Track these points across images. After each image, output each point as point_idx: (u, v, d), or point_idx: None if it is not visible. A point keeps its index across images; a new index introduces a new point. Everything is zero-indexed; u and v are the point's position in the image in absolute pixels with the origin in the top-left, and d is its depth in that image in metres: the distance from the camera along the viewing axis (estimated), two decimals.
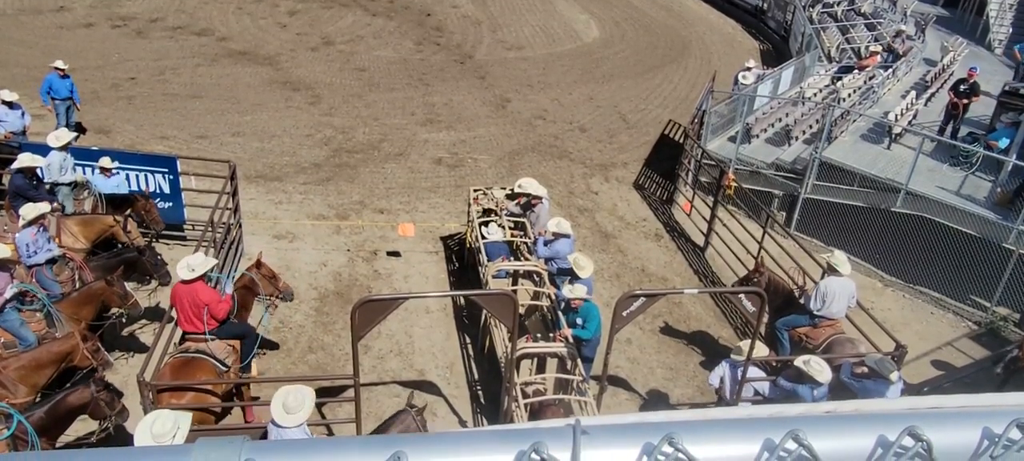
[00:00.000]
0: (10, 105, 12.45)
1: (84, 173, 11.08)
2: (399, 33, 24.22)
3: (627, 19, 28.68)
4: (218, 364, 8.11)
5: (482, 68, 21.80)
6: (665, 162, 16.48)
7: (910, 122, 16.09)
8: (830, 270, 9.41)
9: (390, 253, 12.57)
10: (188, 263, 8.15)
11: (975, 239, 12.37)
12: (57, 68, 13.96)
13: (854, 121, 15.92)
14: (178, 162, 11.71)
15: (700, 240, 13.83)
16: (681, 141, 16.66)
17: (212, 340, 8.21)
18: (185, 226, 12.15)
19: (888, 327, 9.40)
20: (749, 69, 17.89)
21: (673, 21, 29.23)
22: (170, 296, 8.39)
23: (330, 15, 25.34)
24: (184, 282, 8.09)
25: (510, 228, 11.20)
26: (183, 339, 8.30)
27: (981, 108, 16.06)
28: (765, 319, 9.00)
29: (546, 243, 10.03)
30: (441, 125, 17.56)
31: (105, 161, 11.06)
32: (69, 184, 10.72)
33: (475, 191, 11.98)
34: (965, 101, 15.43)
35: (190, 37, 22.06)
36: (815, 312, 9.36)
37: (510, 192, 11.70)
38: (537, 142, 17.23)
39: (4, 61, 18.73)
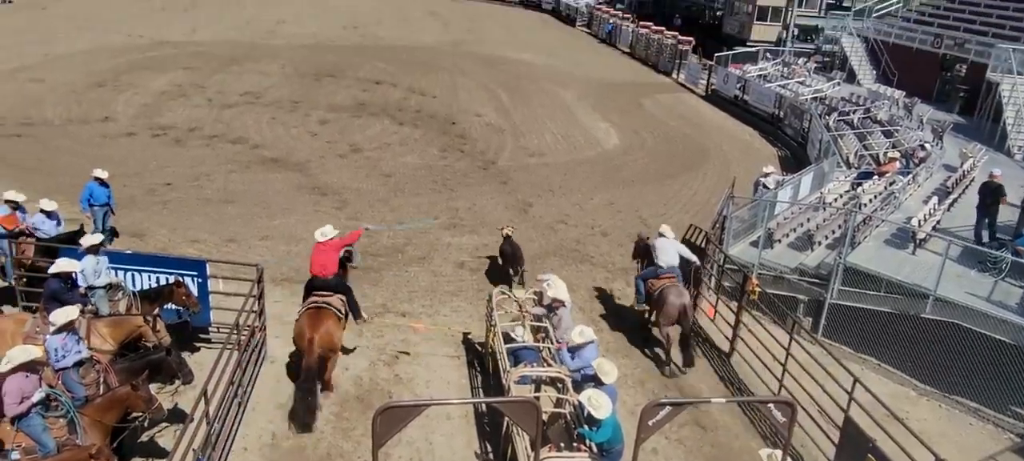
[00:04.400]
0: (48, 214, 12.74)
1: (117, 274, 11.24)
2: (425, 141, 24.82)
3: (646, 128, 29.20)
4: (337, 312, 10.76)
5: (505, 174, 22.13)
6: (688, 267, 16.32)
7: (934, 227, 15.91)
8: (659, 235, 13.23)
9: (400, 353, 12.46)
10: (322, 231, 11.32)
11: (1010, 346, 11.96)
12: (98, 178, 14.37)
13: (877, 226, 15.77)
14: (207, 265, 11.83)
15: (725, 346, 13.52)
16: (703, 246, 16.58)
17: (330, 296, 10.87)
18: (210, 328, 12.14)
19: (925, 439, 8.97)
20: (768, 174, 17.95)
21: (691, 130, 29.68)
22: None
23: (359, 124, 26.12)
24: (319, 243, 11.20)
25: (532, 331, 11.04)
26: (309, 294, 10.96)
27: (1007, 213, 15.87)
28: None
29: (573, 355, 9.82)
30: (464, 229, 17.69)
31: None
32: (104, 287, 10.85)
33: (498, 295, 11.89)
34: (995, 204, 15.22)
35: (225, 145, 22.78)
36: (662, 265, 12.81)
37: (534, 293, 11.61)
38: (559, 246, 17.24)
39: (50, 169, 19.39)
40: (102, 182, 14.42)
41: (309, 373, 10.32)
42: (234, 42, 40.43)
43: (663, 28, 45.70)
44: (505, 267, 14.88)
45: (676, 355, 12.70)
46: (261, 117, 26.15)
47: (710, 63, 37.76)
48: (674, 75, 40.93)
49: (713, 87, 36.21)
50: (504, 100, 31.69)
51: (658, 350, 13.25)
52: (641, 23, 48.79)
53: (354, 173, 20.99)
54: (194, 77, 31.49)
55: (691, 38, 43.41)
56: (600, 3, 62.50)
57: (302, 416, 10.31)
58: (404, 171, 21.46)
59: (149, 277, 11.67)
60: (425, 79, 34.46)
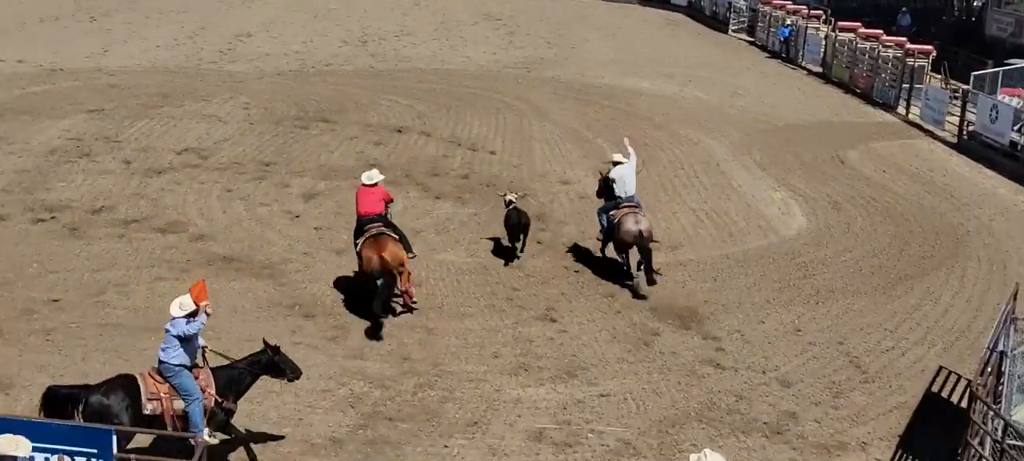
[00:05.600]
0: None
1: None
2: (476, 224, 25.15)
3: (853, 199, 28.94)
4: (393, 235, 18.76)
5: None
6: (938, 440, 15.84)
7: None
8: (614, 164, 21.43)
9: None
10: (369, 175, 19.56)
11: None
12: None
13: None
14: (114, 437, 11.92)
15: None
16: (964, 405, 16.07)
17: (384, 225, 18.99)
18: None
19: None
20: None
21: (935, 200, 29.30)
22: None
23: None
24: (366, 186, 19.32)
25: None
26: (361, 232, 18.87)
27: None
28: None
29: None
30: (542, 375, 17.64)
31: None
32: None
33: None
34: None
35: (150, 235, 23.52)
36: (620, 195, 21.10)
37: None
38: (707, 404, 16.95)
39: None
40: None
41: (388, 280, 18.50)
42: (168, 69, 42.55)
43: (880, 32, 45.83)
44: (510, 242, 22.46)
45: (640, 278, 20.79)
46: (210, 189, 27.05)
47: (964, 88, 37.47)
48: (900, 109, 40.87)
49: (970, 128, 35.86)
50: (608, 157, 31.94)
51: None
52: (841, 26, 48.99)
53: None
54: (104, 125, 33.10)
55: (930, 47, 43.29)
56: None
57: (379, 307, 18.67)
58: (442, 276, 21.78)
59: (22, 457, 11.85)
60: (477, 123, 35.51)
